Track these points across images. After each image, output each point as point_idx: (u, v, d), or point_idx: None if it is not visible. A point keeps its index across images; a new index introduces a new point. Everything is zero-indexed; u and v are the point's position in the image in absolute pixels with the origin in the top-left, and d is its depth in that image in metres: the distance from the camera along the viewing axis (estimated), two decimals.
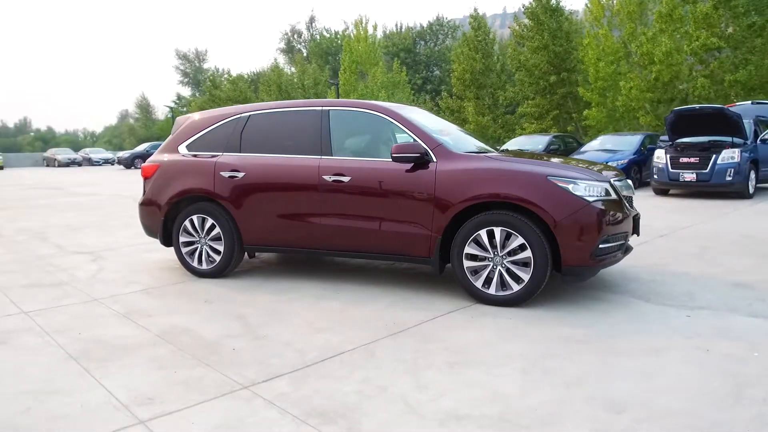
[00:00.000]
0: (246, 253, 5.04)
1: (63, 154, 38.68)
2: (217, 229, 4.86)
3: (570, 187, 3.83)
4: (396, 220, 4.25)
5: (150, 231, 5.28)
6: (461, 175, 4.07)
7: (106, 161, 38.14)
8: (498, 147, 9.52)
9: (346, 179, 4.38)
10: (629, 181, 4.47)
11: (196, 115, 5.29)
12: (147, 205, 5.21)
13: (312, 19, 67.00)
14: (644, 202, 10.46)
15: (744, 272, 4.88)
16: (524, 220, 3.85)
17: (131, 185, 17.52)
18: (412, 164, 4.19)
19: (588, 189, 3.86)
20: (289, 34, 69.95)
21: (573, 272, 3.90)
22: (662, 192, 11.47)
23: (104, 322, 3.82)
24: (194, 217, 4.95)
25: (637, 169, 12.85)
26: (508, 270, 3.94)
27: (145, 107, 74.96)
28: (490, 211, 3.97)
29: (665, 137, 11.75)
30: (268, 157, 4.74)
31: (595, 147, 14.21)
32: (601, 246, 3.83)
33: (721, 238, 6.53)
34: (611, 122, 23.08)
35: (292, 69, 54.36)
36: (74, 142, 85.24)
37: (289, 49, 68.82)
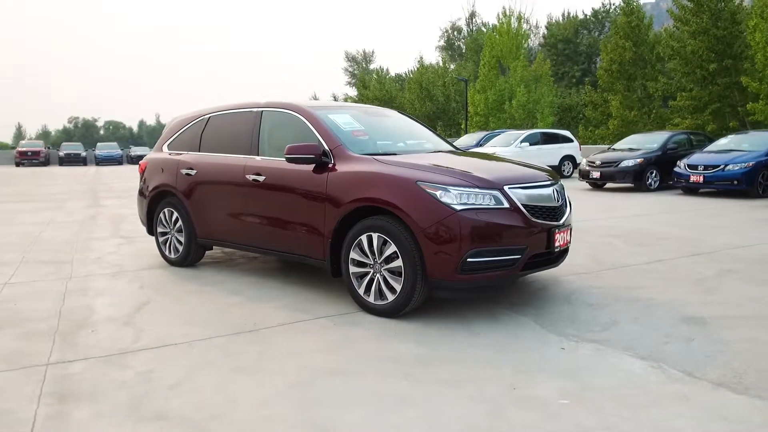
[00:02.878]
0: (204, 246, 5.36)
1: None
2: (180, 222, 5.30)
3: (438, 193, 3.49)
4: (299, 221, 4.26)
5: (141, 220, 5.93)
6: (348, 177, 3.94)
7: None
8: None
9: (262, 179, 4.49)
10: (551, 190, 3.88)
11: (178, 117, 5.80)
12: (139, 196, 5.86)
13: (472, 15, 66.01)
14: (749, 214, 8.77)
15: (721, 305, 3.96)
16: (398, 227, 3.62)
17: None
18: (315, 165, 4.15)
19: (461, 197, 3.48)
20: (449, 31, 70.04)
21: (441, 286, 3.55)
22: None
23: (43, 297, 4.43)
24: (165, 210, 5.45)
25: (767, 174, 10.70)
26: (384, 279, 3.73)
27: None
28: (373, 216, 3.79)
29: None
30: (213, 156, 5.04)
31: (720, 146, 12.14)
32: (470, 260, 3.44)
33: None
34: None
35: (451, 66, 54.77)
36: None
37: (449, 46, 69.06)
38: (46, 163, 34.85)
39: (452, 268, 3.45)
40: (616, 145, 14.44)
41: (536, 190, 3.78)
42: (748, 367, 2.88)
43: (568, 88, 44.90)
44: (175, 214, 5.34)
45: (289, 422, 2.42)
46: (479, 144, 18.73)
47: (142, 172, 5.86)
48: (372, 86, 42.88)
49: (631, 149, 13.42)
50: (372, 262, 3.78)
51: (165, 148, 5.69)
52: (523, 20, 34.09)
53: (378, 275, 3.76)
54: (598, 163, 13.18)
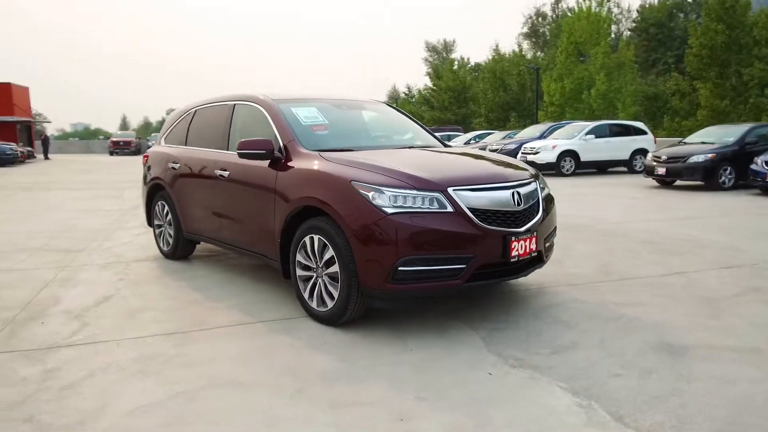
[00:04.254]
0: (191, 240, 5.35)
1: None
2: (170, 216, 5.33)
3: (370, 195, 3.20)
4: (256, 219, 4.11)
5: (144, 212, 6.05)
6: (294, 174, 3.73)
7: None
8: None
9: (227, 174, 4.39)
10: (510, 192, 3.42)
11: (176, 110, 5.83)
12: (143, 188, 5.98)
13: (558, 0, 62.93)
14: None
15: (718, 331, 3.37)
16: (336, 230, 3.36)
17: None
18: (269, 161, 3.97)
19: (395, 199, 3.16)
20: (533, 17, 67.27)
21: (374, 295, 3.25)
22: None
23: (26, 286, 4.59)
24: (159, 203, 5.52)
25: None
26: (325, 284, 3.50)
27: (395, 98, 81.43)
28: (316, 217, 3.56)
29: None
30: (193, 150, 5.00)
31: None
32: (402, 268, 3.12)
33: None
34: None
35: (530, 53, 52.72)
36: None
37: (533, 33, 66.43)
38: (137, 152, 37.41)
39: (383, 277, 3.15)
40: (688, 138, 13.13)
41: (489, 193, 3.36)
42: (698, 414, 2.39)
43: (660, 76, 41.75)
44: (166, 207, 5.39)
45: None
46: (543, 136, 17.80)
47: (145, 163, 5.97)
48: (445, 76, 42.06)
49: (703, 143, 12.14)
50: (315, 266, 3.57)
51: (162, 141, 5.75)
52: (609, 3, 32.07)
53: (320, 280, 3.54)
54: (663, 158, 12.03)
